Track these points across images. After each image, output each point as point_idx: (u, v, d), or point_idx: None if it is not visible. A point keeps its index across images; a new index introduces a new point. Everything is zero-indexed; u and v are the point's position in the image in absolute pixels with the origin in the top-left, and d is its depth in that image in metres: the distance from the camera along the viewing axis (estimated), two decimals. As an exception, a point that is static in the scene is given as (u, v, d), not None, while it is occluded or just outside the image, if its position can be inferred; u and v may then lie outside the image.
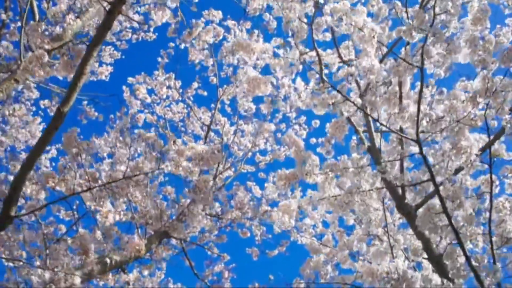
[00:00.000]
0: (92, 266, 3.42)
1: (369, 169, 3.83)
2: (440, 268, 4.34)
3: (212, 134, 8.13)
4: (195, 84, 7.99)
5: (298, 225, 8.53)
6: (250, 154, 8.36)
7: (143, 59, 7.57)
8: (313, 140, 8.73)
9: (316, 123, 8.44)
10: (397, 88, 4.18)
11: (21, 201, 4.28)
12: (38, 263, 3.53)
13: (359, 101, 3.77)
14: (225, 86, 7.89)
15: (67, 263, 3.53)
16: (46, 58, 3.33)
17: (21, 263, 3.55)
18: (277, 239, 8.34)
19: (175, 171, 4.05)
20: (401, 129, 4.37)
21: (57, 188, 3.74)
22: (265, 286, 6.38)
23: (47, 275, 3.18)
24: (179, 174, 4.00)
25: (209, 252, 6.48)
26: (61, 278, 3.22)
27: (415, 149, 4.15)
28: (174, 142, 3.92)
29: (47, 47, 3.43)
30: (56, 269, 3.40)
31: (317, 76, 5.03)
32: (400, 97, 4.17)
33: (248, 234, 6.87)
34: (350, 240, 6.14)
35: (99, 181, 4.40)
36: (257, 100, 8.49)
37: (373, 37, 3.71)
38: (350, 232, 6.60)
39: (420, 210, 3.57)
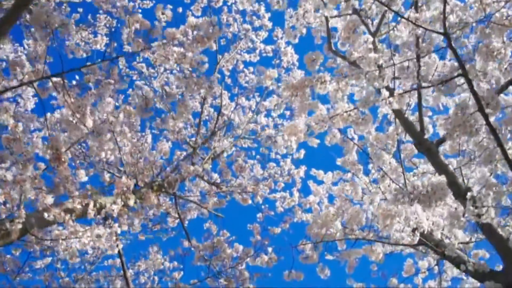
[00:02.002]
0: (66, 175, 2.82)
1: (389, 72, 3.26)
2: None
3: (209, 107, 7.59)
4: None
5: (302, 202, 7.93)
6: (251, 126, 7.79)
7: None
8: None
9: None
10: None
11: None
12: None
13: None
14: (225, 53, 7.40)
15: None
16: None
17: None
18: (280, 217, 7.73)
19: (165, 60, 3.50)
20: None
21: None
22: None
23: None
24: (169, 64, 3.45)
25: (204, 211, 5.80)
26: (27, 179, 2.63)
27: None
28: (163, 13, 3.37)
29: None
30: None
31: None
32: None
33: (249, 201, 6.24)
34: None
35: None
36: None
37: None
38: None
39: (451, 111, 3.00)
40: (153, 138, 7.49)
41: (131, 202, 4.38)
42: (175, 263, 6.67)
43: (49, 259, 6.09)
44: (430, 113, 4.91)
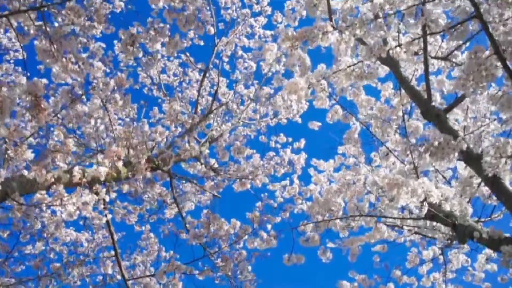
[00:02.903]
0: (44, 119, 2.55)
1: (396, 20, 3.00)
2: (481, 167, 3.47)
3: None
4: (191, 34, 7.24)
5: (302, 191, 7.64)
6: (250, 114, 7.53)
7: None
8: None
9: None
10: None
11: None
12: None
13: None
14: (223, 37, 7.16)
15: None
16: None
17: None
18: (280, 206, 7.43)
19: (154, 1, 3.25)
20: None
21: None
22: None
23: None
24: None
25: (202, 198, 5.52)
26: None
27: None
28: None
29: None
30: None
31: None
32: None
33: (248, 186, 5.96)
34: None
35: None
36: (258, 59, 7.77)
37: None
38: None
39: (464, 55, 2.74)
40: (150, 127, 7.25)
41: (122, 174, 4.12)
42: (171, 252, 6.36)
43: (40, 244, 5.79)
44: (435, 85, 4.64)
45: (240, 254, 4.59)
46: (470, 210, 3.57)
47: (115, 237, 4.43)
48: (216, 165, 6.35)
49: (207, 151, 6.60)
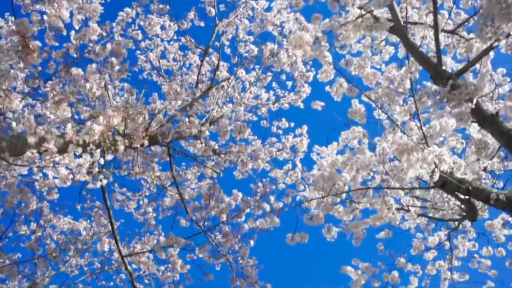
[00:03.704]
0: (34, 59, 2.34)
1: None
2: (496, 128, 3.27)
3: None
4: (191, 14, 7.06)
5: (305, 176, 7.42)
6: (251, 99, 7.33)
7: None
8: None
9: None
10: None
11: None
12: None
13: None
14: (223, 18, 6.97)
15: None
16: None
17: None
18: (283, 192, 7.21)
19: None
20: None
21: None
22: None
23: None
24: None
25: (200, 169, 5.28)
26: None
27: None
28: None
29: None
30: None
31: None
32: None
33: (249, 165, 5.73)
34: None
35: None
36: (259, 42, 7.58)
37: None
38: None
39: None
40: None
41: (120, 145, 3.90)
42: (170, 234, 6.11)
43: (34, 225, 5.57)
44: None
45: (242, 228, 4.37)
46: (483, 174, 3.36)
47: (111, 213, 4.21)
48: (216, 147, 6.14)
49: (207, 133, 6.40)
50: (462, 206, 5.20)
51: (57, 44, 3.64)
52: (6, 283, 6.85)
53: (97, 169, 3.23)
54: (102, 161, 3.26)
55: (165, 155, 5.65)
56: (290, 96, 7.61)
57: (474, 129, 3.50)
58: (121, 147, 3.36)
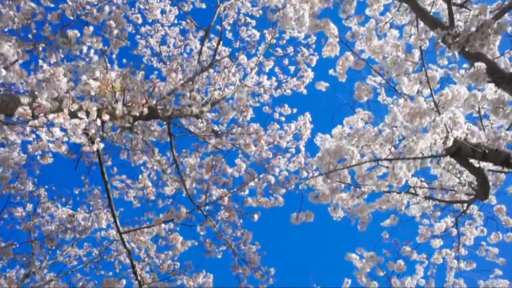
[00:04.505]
0: None
1: None
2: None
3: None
4: (192, -4, 6.89)
5: (308, 162, 7.21)
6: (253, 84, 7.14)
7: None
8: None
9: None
10: None
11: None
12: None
13: None
14: (225, 1, 6.79)
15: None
16: None
17: None
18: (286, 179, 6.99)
19: None
20: None
21: None
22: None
23: None
24: None
25: (201, 151, 5.07)
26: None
27: None
28: None
29: None
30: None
31: None
32: None
33: (252, 148, 5.52)
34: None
35: None
36: (261, 25, 7.42)
37: None
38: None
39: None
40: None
41: (118, 107, 3.71)
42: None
43: (30, 206, 5.36)
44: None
45: (246, 201, 4.16)
46: (503, 133, 3.16)
47: (109, 187, 4.01)
48: (217, 129, 5.94)
49: (209, 116, 6.21)
50: (472, 185, 5.01)
51: (52, 5, 3.45)
52: (4, 273, 6.65)
53: (93, 131, 3.03)
54: (98, 122, 3.06)
55: (165, 135, 5.46)
56: (293, 81, 7.43)
57: (490, 91, 3.31)
58: (119, 107, 3.16)
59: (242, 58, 7.42)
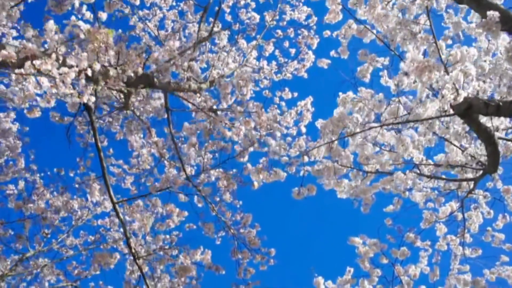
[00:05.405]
0: None
1: None
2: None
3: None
4: (191, -23, 6.71)
5: (310, 146, 7.00)
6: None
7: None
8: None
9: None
10: None
11: None
12: None
13: None
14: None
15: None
16: None
17: None
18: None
19: None
20: None
21: None
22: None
23: None
24: None
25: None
26: None
27: None
28: None
29: None
30: None
31: None
32: None
33: (252, 124, 5.31)
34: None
35: None
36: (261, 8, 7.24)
37: None
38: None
39: None
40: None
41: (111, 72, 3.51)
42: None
43: (22, 183, 5.14)
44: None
45: (245, 169, 3.94)
46: None
47: (102, 155, 3.80)
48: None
49: (208, 95, 6.01)
50: (480, 162, 4.80)
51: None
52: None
53: (83, 81, 2.83)
54: (89, 72, 2.86)
55: (162, 112, 5.26)
56: (294, 65, 7.25)
57: (503, 41, 3.12)
58: (112, 72, 2.94)
59: (242, 43, 7.24)
